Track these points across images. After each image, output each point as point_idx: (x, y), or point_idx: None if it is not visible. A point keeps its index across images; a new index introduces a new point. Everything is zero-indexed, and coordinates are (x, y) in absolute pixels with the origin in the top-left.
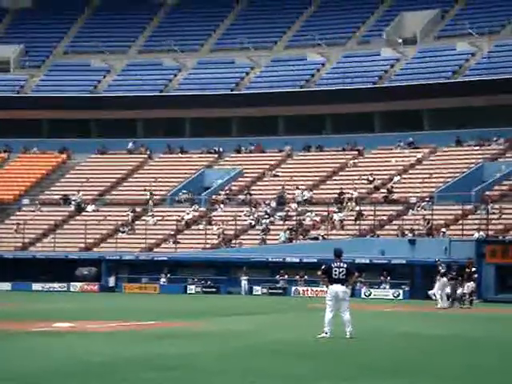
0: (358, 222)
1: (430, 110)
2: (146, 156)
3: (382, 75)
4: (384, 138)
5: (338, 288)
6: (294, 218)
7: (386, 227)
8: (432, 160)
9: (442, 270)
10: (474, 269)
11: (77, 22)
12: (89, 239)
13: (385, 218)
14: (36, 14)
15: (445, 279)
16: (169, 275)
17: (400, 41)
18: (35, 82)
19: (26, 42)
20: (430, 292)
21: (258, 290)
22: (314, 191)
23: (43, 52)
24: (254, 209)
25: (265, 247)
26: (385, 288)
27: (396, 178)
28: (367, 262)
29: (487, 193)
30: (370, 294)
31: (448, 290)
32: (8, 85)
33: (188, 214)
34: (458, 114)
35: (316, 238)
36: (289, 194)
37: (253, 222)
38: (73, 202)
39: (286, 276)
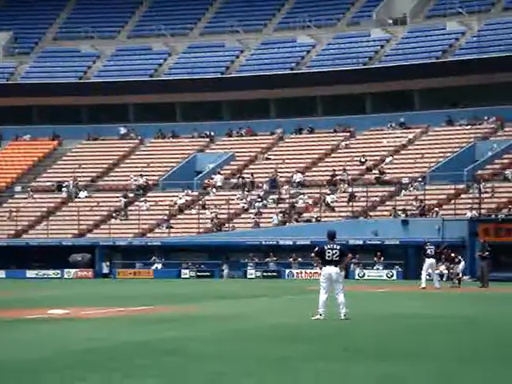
0: (350, 204)
1: (421, 89)
2: (137, 141)
3: (372, 56)
4: (375, 119)
5: (331, 270)
6: (287, 201)
7: (379, 208)
8: (424, 140)
9: (428, 251)
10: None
11: (65, 8)
12: (82, 225)
13: (377, 199)
14: (24, 0)
15: (432, 260)
16: (162, 260)
17: (390, 21)
18: (25, 68)
19: (14, 29)
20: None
21: (252, 273)
22: (307, 173)
23: (32, 39)
24: (246, 192)
25: (258, 230)
26: (378, 269)
27: (388, 159)
28: (360, 243)
29: (479, 172)
30: (363, 275)
31: (437, 270)
32: None
33: (181, 198)
34: (449, 94)
35: (309, 221)
36: (281, 176)
37: (246, 206)
38: (65, 189)
39: (276, 258)
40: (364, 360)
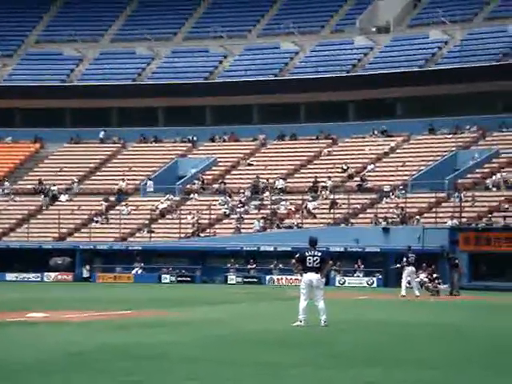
0: (332, 211)
1: (404, 98)
2: (119, 145)
3: (355, 63)
4: (358, 127)
5: (312, 276)
6: (269, 207)
7: (360, 215)
8: (405, 148)
9: (411, 259)
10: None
11: (49, 11)
12: (62, 229)
13: (359, 206)
14: (7, 2)
15: (412, 268)
16: (143, 265)
17: (373, 29)
18: (7, 71)
19: None
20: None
21: (232, 278)
22: (289, 180)
23: (15, 41)
24: (228, 198)
25: (239, 236)
26: (359, 276)
27: (370, 167)
28: (341, 250)
29: (460, 181)
30: (344, 282)
31: (417, 278)
32: None
33: (162, 203)
34: (432, 102)
35: (290, 227)
36: (263, 182)
37: (227, 211)
38: (46, 192)
39: (257, 264)
40: (346, 367)
